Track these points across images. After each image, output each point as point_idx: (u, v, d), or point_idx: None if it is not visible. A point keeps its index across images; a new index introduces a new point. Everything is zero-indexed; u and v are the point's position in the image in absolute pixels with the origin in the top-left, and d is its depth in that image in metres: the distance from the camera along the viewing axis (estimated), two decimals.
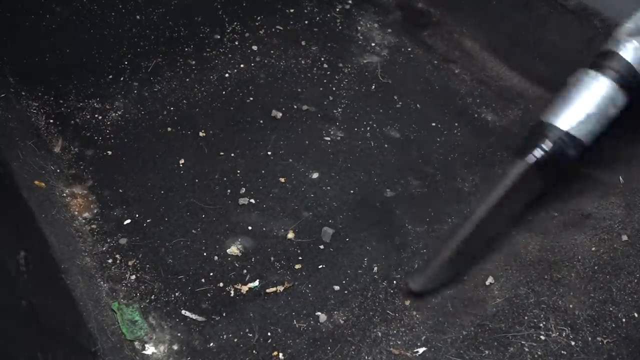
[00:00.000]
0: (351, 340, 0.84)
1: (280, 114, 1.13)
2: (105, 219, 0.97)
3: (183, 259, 0.93)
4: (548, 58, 1.17)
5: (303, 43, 1.27)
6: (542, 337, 0.83)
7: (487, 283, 0.90)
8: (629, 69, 0.80)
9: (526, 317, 0.85)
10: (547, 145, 0.81)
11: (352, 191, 1.02)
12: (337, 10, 1.34)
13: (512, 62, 1.22)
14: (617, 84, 0.80)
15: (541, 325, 0.84)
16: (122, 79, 1.18)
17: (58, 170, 1.03)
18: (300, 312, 0.87)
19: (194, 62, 1.22)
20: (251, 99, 1.16)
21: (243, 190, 1.02)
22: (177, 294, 0.89)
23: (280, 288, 0.90)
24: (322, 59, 1.24)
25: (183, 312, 0.86)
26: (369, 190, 1.03)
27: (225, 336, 0.85)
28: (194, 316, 0.86)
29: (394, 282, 0.91)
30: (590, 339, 0.82)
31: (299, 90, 1.18)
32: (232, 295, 0.89)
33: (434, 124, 1.13)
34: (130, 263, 0.92)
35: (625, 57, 0.80)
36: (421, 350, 0.83)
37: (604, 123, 0.81)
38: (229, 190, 1.02)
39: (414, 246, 0.95)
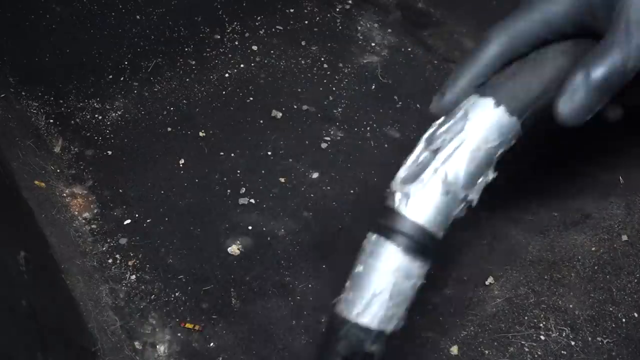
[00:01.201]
0: None
1: (280, 114, 1.13)
2: (105, 219, 0.98)
3: (183, 259, 0.93)
4: None
5: (303, 43, 1.27)
6: (542, 337, 0.83)
7: (487, 283, 0.90)
8: (417, 229, 0.59)
9: (526, 317, 0.85)
10: (342, 347, 0.60)
11: (352, 191, 1.02)
12: (337, 10, 1.34)
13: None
14: (405, 251, 0.59)
15: (541, 325, 0.84)
16: (122, 79, 1.18)
17: (58, 170, 1.03)
18: (300, 311, 0.87)
19: (194, 62, 1.22)
20: (251, 99, 1.16)
21: (243, 190, 1.02)
22: (177, 294, 0.89)
23: (280, 288, 0.90)
24: (322, 59, 1.24)
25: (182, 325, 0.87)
26: (369, 190, 1.03)
27: (225, 336, 0.85)
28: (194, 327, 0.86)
29: None
30: (590, 339, 0.82)
31: (299, 90, 1.18)
32: (232, 295, 0.89)
33: None
34: (130, 263, 0.92)
35: (409, 215, 0.59)
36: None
37: (403, 300, 0.61)
38: (229, 190, 1.02)
39: None
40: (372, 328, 0.60)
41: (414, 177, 0.60)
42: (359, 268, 0.63)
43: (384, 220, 0.61)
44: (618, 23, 0.56)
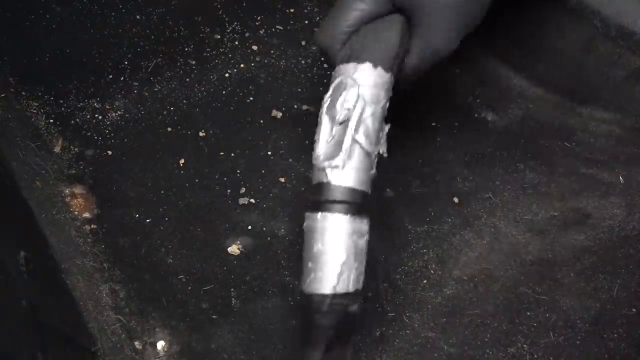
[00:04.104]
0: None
1: (280, 114, 1.13)
2: (105, 219, 0.98)
3: (183, 259, 0.93)
4: (548, 58, 1.17)
5: (303, 43, 1.27)
6: (542, 337, 0.83)
7: (487, 283, 0.90)
8: (353, 193, 0.67)
9: (526, 317, 0.85)
10: (330, 320, 0.66)
11: None
12: None
13: (512, 62, 1.22)
14: (351, 214, 0.67)
15: (541, 325, 0.84)
16: (122, 79, 1.18)
17: (58, 170, 1.03)
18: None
19: (194, 62, 1.22)
20: (251, 99, 1.16)
21: (243, 190, 1.02)
22: (177, 294, 0.89)
23: (280, 288, 0.90)
24: (322, 59, 1.24)
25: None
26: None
27: (225, 336, 0.85)
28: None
29: (394, 282, 0.91)
30: (590, 339, 0.83)
31: (299, 90, 1.18)
32: (232, 295, 0.89)
33: (433, 124, 1.13)
34: (130, 263, 0.92)
35: (343, 183, 0.66)
36: (421, 350, 0.83)
37: (363, 256, 0.70)
38: (229, 190, 1.02)
39: (414, 246, 0.95)
40: (350, 291, 0.67)
41: (335, 150, 0.67)
42: (317, 247, 0.68)
43: (323, 197, 0.67)
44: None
